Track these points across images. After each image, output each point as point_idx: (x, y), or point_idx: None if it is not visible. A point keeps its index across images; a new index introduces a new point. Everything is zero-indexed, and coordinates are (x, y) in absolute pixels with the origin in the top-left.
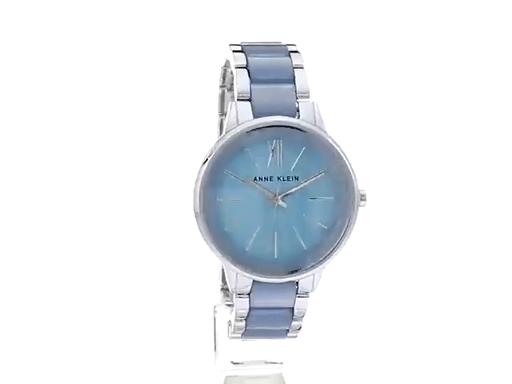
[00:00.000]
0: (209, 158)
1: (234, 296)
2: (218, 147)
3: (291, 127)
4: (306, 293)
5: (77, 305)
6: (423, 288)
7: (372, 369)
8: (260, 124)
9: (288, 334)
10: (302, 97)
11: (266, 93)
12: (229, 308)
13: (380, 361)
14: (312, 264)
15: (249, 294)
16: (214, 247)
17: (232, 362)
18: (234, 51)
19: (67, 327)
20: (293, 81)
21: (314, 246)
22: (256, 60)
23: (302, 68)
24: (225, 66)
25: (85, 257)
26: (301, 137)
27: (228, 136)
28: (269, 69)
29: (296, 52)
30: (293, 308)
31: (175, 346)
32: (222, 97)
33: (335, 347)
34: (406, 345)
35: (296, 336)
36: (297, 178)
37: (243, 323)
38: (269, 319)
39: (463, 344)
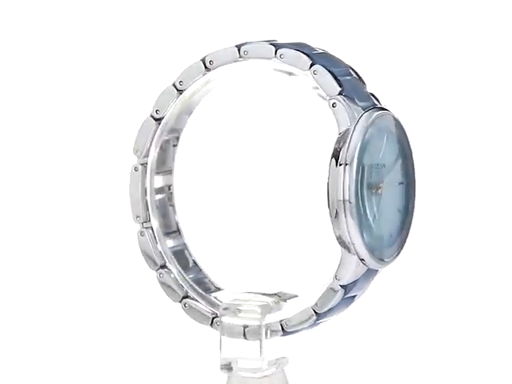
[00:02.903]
0: (355, 154)
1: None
2: (359, 142)
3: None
4: None
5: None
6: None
7: (374, 368)
8: (376, 116)
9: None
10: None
11: (348, 84)
12: None
13: (382, 361)
14: (399, 250)
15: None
16: (359, 239)
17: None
18: (294, 49)
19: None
20: (349, 73)
21: (397, 231)
22: (317, 58)
23: None
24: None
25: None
26: (385, 124)
27: (359, 129)
28: (334, 64)
29: (326, 51)
30: (355, 295)
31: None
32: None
33: (336, 347)
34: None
35: None
36: (384, 165)
37: (315, 317)
38: (338, 309)
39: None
